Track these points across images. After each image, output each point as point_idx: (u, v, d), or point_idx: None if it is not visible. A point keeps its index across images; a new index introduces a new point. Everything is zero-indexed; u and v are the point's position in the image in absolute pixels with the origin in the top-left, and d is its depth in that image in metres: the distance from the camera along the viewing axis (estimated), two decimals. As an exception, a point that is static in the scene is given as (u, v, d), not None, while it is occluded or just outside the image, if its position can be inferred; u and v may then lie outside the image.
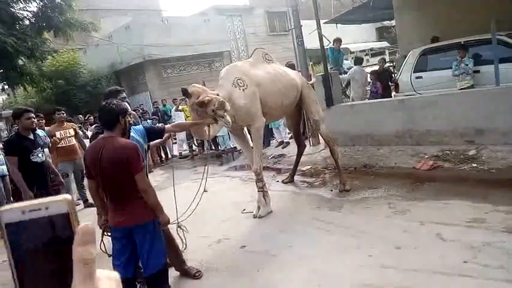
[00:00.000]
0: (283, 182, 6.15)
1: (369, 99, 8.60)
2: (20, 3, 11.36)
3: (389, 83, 8.88)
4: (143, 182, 2.70)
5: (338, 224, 4.18)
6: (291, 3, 8.47)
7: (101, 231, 3.07)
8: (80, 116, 11.33)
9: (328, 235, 3.96)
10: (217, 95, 4.03)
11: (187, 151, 10.40)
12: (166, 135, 3.70)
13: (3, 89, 13.76)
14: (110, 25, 17.24)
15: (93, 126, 6.62)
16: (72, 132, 6.25)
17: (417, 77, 7.77)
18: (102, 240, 3.08)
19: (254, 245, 4.03)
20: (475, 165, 5.11)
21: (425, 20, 9.40)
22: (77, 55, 17.05)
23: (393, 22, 14.09)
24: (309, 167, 6.66)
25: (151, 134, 3.36)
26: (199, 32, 16.69)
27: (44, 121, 6.32)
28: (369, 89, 9.26)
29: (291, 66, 7.12)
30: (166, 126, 3.57)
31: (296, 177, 6.16)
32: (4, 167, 5.99)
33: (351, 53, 18.45)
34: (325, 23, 10.74)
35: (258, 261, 3.65)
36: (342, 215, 4.45)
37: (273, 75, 4.91)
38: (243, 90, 4.50)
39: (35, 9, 11.89)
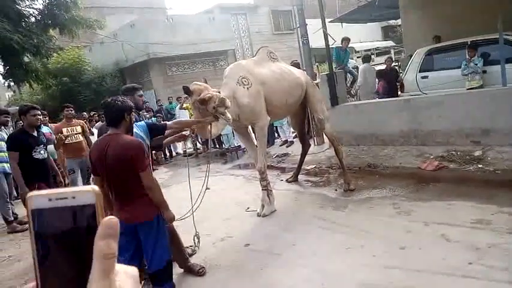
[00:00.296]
0: (287, 181, 6.14)
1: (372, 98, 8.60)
2: (26, 1, 11.42)
3: (396, 83, 8.84)
4: (148, 179, 2.71)
5: (342, 224, 4.17)
6: (296, 2, 8.45)
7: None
8: (84, 113, 11.37)
9: (331, 234, 3.95)
10: (219, 92, 4.04)
11: (192, 149, 10.42)
12: (184, 133, 3.74)
13: (9, 86, 13.84)
14: (115, 23, 17.28)
15: (98, 123, 6.64)
16: (79, 129, 6.29)
17: (423, 77, 7.73)
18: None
19: (258, 244, 4.03)
20: (481, 166, 5.08)
21: (431, 19, 9.35)
22: (82, 53, 17.12)
23: (399, 21, 14.05)
24: (313, 166, 6.65)
25: (154, 130, 3.38)
26: (204, 30, 16.71)
27: (47, 118, 6.34)
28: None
29: (296, 65, 7.11)
30: (168, 123, 3.59)
31: (300, 177, 6.16)
32: (8, 165, 6.03)
33: (356, 52, 18.41)
34: (330, 21, 10.73)
35: (261, 260, 3.65)
36: (346, 215, 4.44)
37: (277, 74, 4.90)
38: (248, 88, 4.50)
39: (41, 7, 11.95)
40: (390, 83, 8.64)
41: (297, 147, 7.25)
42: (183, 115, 10.05)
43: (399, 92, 8.44)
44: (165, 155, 10.28)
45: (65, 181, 5.52)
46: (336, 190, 5.31)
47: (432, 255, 3.18)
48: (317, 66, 6.99)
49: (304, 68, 8.23)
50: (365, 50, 19.21)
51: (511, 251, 3.03)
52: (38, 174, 4.42)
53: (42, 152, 4.55)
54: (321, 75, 6.97)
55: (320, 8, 7.06)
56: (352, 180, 5.35)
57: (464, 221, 3.66)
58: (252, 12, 20.83)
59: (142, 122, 3.38)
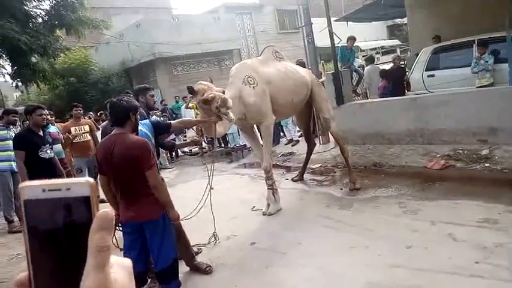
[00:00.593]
0: (292, 180, 6.14)
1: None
2: (33, 1, 11.51)
3: (403, 81, 8.79)
4: (154, 178, 2.73)
5: (347, 223, 4.16)
6: (302, 1, 8.45)
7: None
8: (91, 113, 11.46)
9: (337, 233, 3.95)
10: (223, 92, 4.05)
11: (197, 148, 10.45)
12: (198, 139, 3.83)
13: (17, 86, 13.95)
14: (121, 23, 17.38)
15: (104, 123, 6.69)
16: (87, 128, 6.35)
17: (429, 76, 7.69)
18: (113, 234, 3.12)
19: (263, 242, 4.04)
20: (488, 165, 5.04)
21: (437, 18, 9.29)
22: (89, 53, 17.25)
23: (405, 20, 13.97)
24: (319, 165, 6.64)
25: (159, 129, 3.41)
26: (209, 30, 16.75)
27: (54, 118, 6.39)
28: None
29: (301, 64, 7.10)
30: (172, 122, 3.61)
31: (306, 176, 6.15)
32: (15, 164, 6.09)
33: (362, 51, 18.33)
34: (335, 20, 10.70)
35: (266, 258, 3.66)
36: (351, 214, 4.43)
37: (283, 73, 4.90)
38: (253, 87, 4.51)
39: (48, 7, 12.03)
40: (397, 81, 8.59)
41: (302, 146, 7.24)
42: (189, 114, 10.10)
43: (405, 91, 8.40)
44: (171, 154, 10.32)
45: (71, 180, 5.54)
46: (342, 189, 5.30)
47: (438, 254, 3.17)
48: (322, 64, 6.96)
49: (310, 67, 8.22)
50: (371, 49, 19.16)
51: (518, 250, 3.01)
52: (44, 173, 4.45)
53: (48, 151, 4.59)
54: (326, 74, 6.95)
55: (325, 7, 7.04)
56: (358, 179, 5.34)
57: (471, 220, 3.63)
58: (257, 11, 20.83)
59: (147, 120, 3.41)
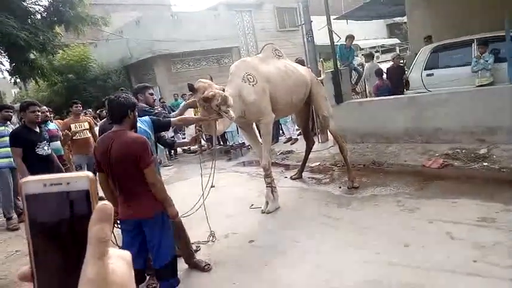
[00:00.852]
0: (291, 178, 6.15)
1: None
2: (32, -2, 11.46)
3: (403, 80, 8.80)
4: (152, 176, 2.73)
5: (346, 221, 4.18)
6: (302, -2, 8.42)
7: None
8: (90, 109, 11.42)
9: (335, 231, 3.96)
10: (223, 89, 4.04)
11: (196, 146, 10.43)
12: (196, 136, 3.83)
13: (15, 83, 13.90)
14: (119, 20, 17.30)
15: (103, 120, 6.68)
16: (86, 125, 6.35)
17: (428, 74, 7.69)
18: (112, 231, 3.12)
19: (262, 240, 4.05)
20: (486, 164, 5.06)
21: (436, 16, 9.29)
22: (88, 49, 17.17)
23: (404, 19, 13.95)
24: (318, 163, 6.65)
25: (158, 126, 3.40)
26: (208, 27, 16.68)
27: (52, 115, 6.37)
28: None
29: (300, 62, 7.10)
30: (172, 119, 3.61)
31: (304, 174, 6.16)
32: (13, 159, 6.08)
33: (361, 49, 18.31)
34: (335, 19, 10.69)
35: (265, 256, 3.67)
36: (350, 212, 4.44)
37: (283, 71, 4.90)
38: (253, 85, 4.51)
39: (47, 4, 11.98)
40: (396, 80, 8.60)
41: (301, 145, 7.25)
42: (188, 112, 10.06)
43: (405, 90, 8.41)
44: (169, 152, 10.31)
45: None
46: (340, 187, 5.31)
47: (436, 252, 3.18)
48: (321, 62, 6.93)
49: (309, 65, 8.21)
50: (370, 48, 19.13)
51: (516, 249, 3.02)
52: (42, 170, 4.41)
53: (45, 147, 4.57)
54: (325, 72, 6.94)
55: (325, 5, 7.03)
56: (357, 177, 5.35)
57: (469, 218, 3.65)
58: (257, 9, 20.76)
59: (147, 117, 3.40)
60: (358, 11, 12.05)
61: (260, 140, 4.99)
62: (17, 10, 10.34)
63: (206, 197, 3.98)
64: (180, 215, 3.19)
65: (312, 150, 6.33)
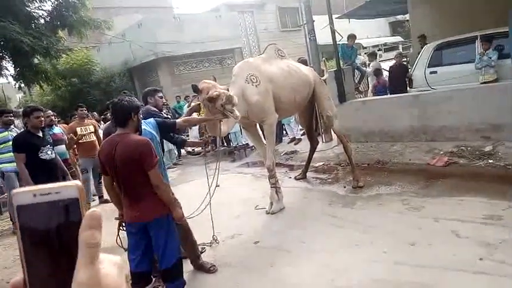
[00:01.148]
0: (295, 178, 6.15)
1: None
2: (36, 3, 11.52)
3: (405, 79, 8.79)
4: (156, 178, 2.74)
5: (351, 220, 4.17)
6: (303, -2, 8.41)
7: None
8: (95, 113, 11.48)
9: (340, 231, 3.95)
10: (227, 90, 4.05)
11: (200, 148, 10.46)
12: (206, 138, 3.85)
13: (19, 87, 14.00)
14: (122, 23, 17.38)
15: (107, 124, 6.72)
16: (92, 128, 6.39)
17: (431, 72, 7.66)
18: (118, 234, 3.14)
19: (267, 241, 4.05)
20: (491, 161, 5.03)
21: (439, 13, 9.25)
22: (91, 53, 17.26)
23: (407, 16, 13.91)
24: (322, 163, 6.64)
25: (164, 127, 3.42)
26: (211, 28, 16.72)
27: (57, 119, 6.41)
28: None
29: (303, 62, 7.09)
30: (177, 120, 3.62)
31: (309, 174, 6.15)
32: None
33: (364, 48, 18.27)
34: (337, 18, 10.66)
35: (270, 257, 3.67)
36: (354, 211, 4.43)
37: (285, 71, 4.90)
38: (256, 86, 4.51)
39: (50, 8, 12.05)
40: (399, 79, 8.58)
41: (305, 145, 7.25)
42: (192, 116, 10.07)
43: (408, 88, 8.38)
44: (179, 153, 10.36)
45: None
46: (345, 187, 5.30)
47: (442, 251, 3.17)
48: (324, 61, 6.92)
49: (312, 65, 8.20)
50: (373, 46, 19.09)
51: (523, 246, 3.00)
52: (46, 174, 4.40)
53: (49, 152, 4.55)
54: (328, 71, 6.93)
55: (327, 4, 7.02)
56: (361, 177, 5.34)
57: (475, 216, 3.63)
58: (259, 9, 20.78)
59: (151, 119, 3.42)
60: (360, 10, 12.01)
61: (264, 141, 4.99)
62: (21, 15, 10.41)
63: (211, 198, 3.99)
64: (185, 216, 3.20)
65: (316, 150, 6.32)
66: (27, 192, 0.44)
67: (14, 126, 5.96)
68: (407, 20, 14.89)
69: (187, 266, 3.56)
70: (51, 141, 4.80)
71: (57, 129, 6.02)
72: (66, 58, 14.61)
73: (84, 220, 0.43)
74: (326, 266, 3.32)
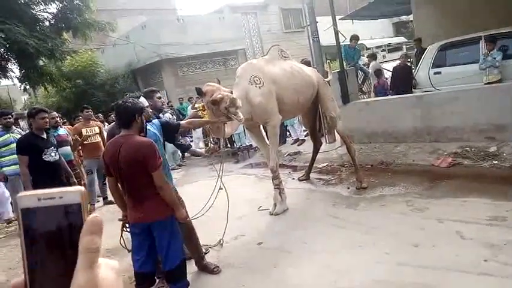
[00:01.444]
0: (299, 179, 6.15)
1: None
2: (41, 5, 11.62)
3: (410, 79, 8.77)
4: (160, 179, 2.75)
5: (354, 221, 4.16)
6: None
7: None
8: (100, 114, 11.54)
9: (344, 232, 3.95)
10: (231, 92, 4.06)
11: (204, 149, 10.48)
12: (215, 147, 3.85)
13: (25, 89, 14.12)
14: (126, 25, 17.47)
15: (111, 125, 6.75)
16: (97, 129, 6.43)
17: (435, 73, 7.64)
18: (121, 235, 3.16)
19: (270, 242, 4.05)
20: (496, 162, 5.00)
21: (443, 14, 9.22)
22: (95, 55, 17.37)
23: (410, 17, 13.86)
24: (325, 164, 6.64)
25: (168, 129, 3.44)
26: (214, 30, 16.76)
27: (61, 121, 6.46)
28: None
29: (307, 63, 7.09)
30: (181, 122, 3.64)
31: (312, 175, 6.15)
32: None
33: (367, 49, 18.23)
34: (340, 19, 10.67)
35: (274, 258, 3.68)
36: (358, 212, 4.42)
37: (289, 73, 4.91)
38: (259, 87, 4.52)
39: (55, 11, 12.14)
40: (403, 79, 8.56)
41: (308, 146, 7.24)
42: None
43: (412, 89, 8.36)
44: (183, 155, 10.39)
45: (81, 182, 5.59)
46: (348, 188, 5.29)
47: (446, 252, 3.15)
48: (328, 63, 6.94)
49: (315, 66, 8.20)
50: (376, 47, 19.04)
51: (527, 248, 2.98)
52: (50, 176, 4.39)
53: (53, 154, 4.54)
54: (332, 72, 6.94)
55: (330, 5, 7.02)
56: (365, 178, 5.33)
57: (479, 217, 3.61)
58: (262, 11, 20.80)
59: (156, 120, 3.44)
60: (363, 11, 12.00)
61: (267, 142, 5.00)
62: (26, 18, 10.50)
63: (214, 199, 4.00)
64: (189, 217, 3.22)
65: (320, 151, 6.32)
66: (32, 196, 0.45)
67: (20, 127, 5.99)
68: (411, 21, 14.83)
69: (191, 267, 3.57)
70: (55, 142, 4.80)
71: (62, 131, 6.06)
72: (71, 60, 14.71)
73: (85, 225, 0.45)
74: (328, 267, 3.32)
